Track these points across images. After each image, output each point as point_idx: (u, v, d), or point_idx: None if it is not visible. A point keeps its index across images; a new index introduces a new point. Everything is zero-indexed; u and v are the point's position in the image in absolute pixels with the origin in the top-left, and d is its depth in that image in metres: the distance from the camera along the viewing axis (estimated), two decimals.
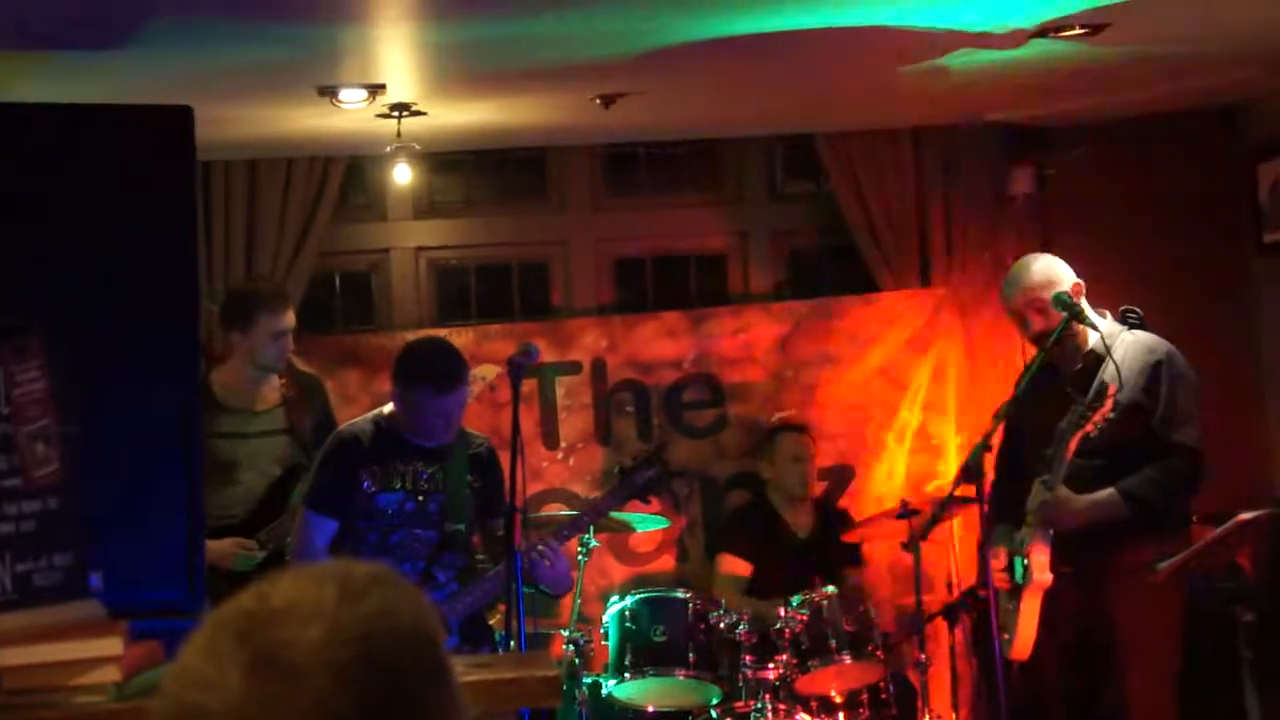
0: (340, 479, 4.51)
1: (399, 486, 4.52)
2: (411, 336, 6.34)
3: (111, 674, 2.70)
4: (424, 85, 5.44)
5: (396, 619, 1.23)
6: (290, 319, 5.00)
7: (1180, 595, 4.72)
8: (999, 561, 4.66)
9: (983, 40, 5.16)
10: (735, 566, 5.89)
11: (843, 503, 6.35)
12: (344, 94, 5.34)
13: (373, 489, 4.50)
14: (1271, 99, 6.35)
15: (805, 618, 5.22)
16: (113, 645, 2.70)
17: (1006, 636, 4.58)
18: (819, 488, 6.32)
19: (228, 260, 6.27)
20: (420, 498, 4.53)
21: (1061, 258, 6.64)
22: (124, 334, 4.22)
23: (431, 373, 4.44)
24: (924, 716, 5.38)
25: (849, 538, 5.88)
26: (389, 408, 4.62)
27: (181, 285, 4.37)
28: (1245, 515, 5.22)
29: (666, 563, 6.36)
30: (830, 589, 5.36)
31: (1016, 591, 4.62)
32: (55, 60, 4.70)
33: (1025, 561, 4.60)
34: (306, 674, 1.16)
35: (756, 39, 4.99)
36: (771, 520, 5.98)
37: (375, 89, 5.33)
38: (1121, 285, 6.45)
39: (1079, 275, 6.31)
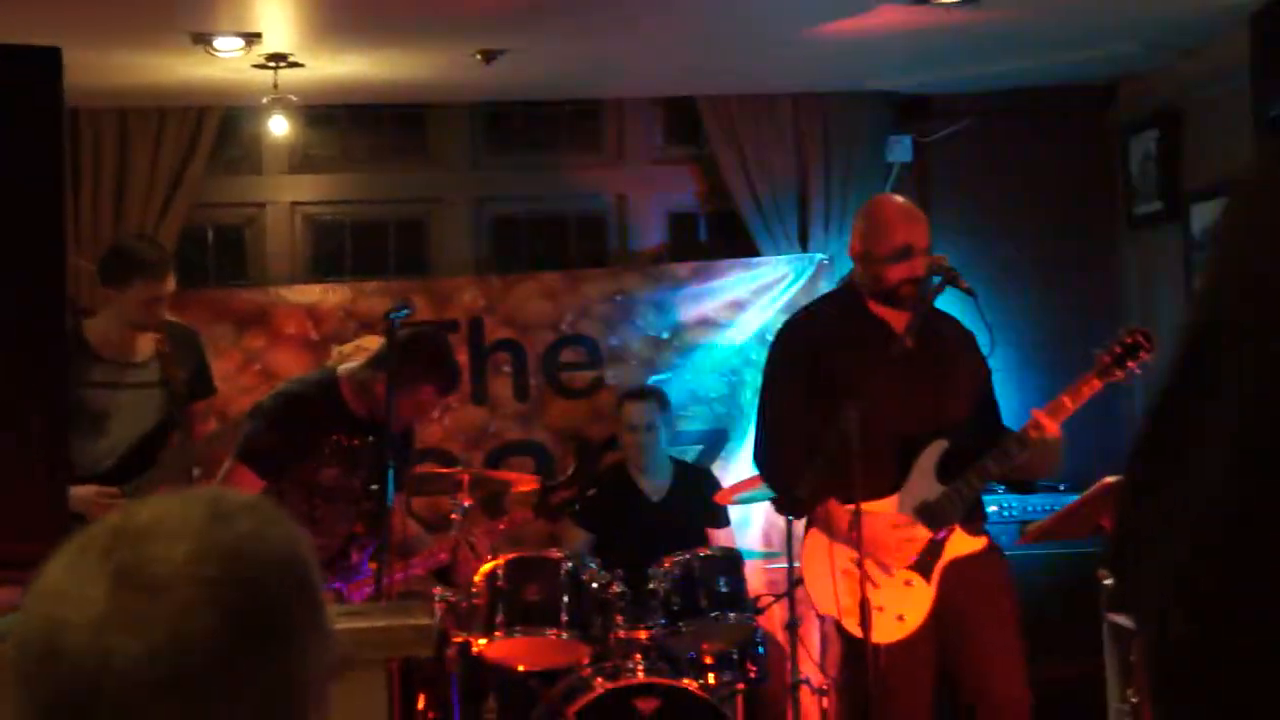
0: (285, 440, 4.46)
1: (337, 459, 4.49)
2: (285, 291, 6.29)
3: None
4: (301, 35, 5.36)
5: (266, 540, 1.23)
6: (169, 286, 4.89)
7: (1006, 563, 4.52)
8: (919, 534, 4.30)
9: (861, 5, 5.19)
10: (573, 535, 5.90)
11: (716, 466, 6.37)
12: (219, 42, 5.26)
13: (313, 458, 4.46)
14: (1144, 74, 6.46)
15: (677, 578, 5.22)
16: None
17: (902, 618, 4.27)
18: (690, 452, 6.35)
19: (96, 210, 6.15)
20: (353, 472, 4.51)
21: (938, 226, 6.72)
22: None
23: (451, 373, 4.55)
24: (792, 678, 5.42)
25: (719, 499, 5.89)
26: (344, 370, 4.60)
27: (48, 234, 4.27)
28: (1109, 479, 5.33)
29: (539, 523, 6.33)
30: (704, 550, 5.37)
31: (928, 567, 4.33)
32: None
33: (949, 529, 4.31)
34: (171, 588, 1.16)
35: None
36: (625, 485, 5.97)
37: (251, 38, 5.24)
38: (996, 254, 6.56)
39: (955, 243, 6.40)
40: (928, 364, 4.32)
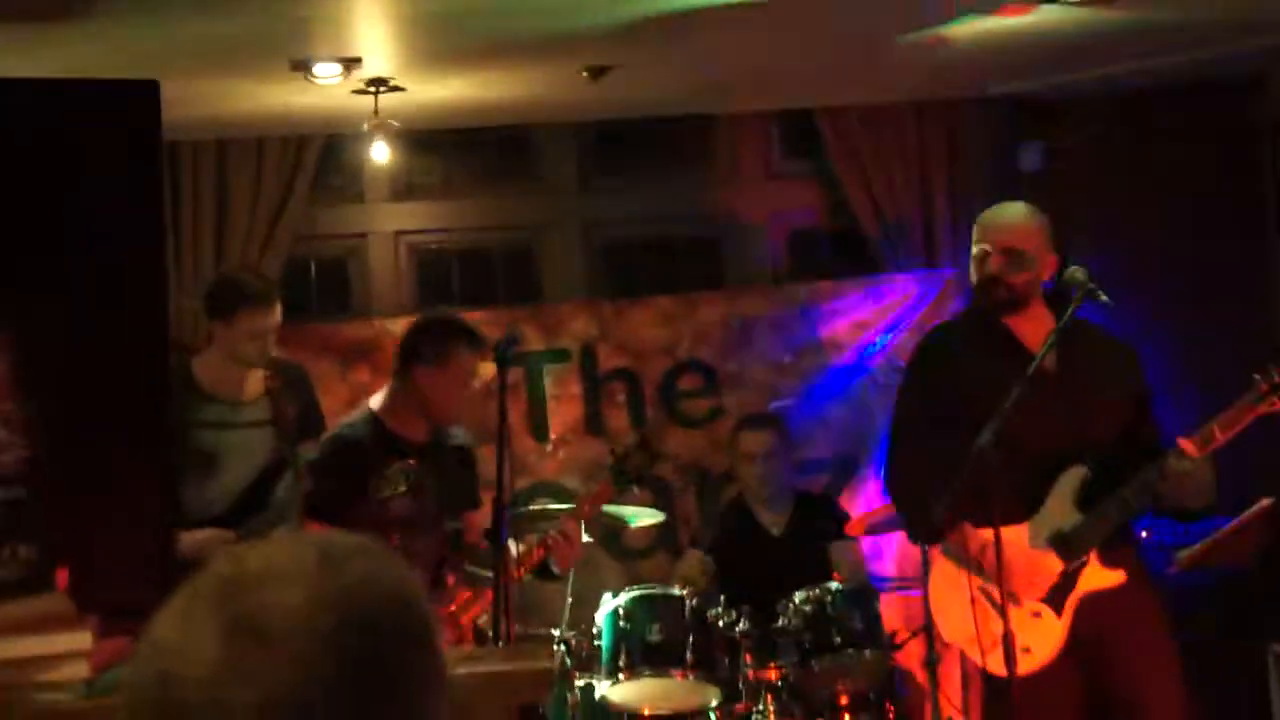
0: (344, 485, 4.41)
1: (400, 490, 4.43)
2: (391, 324, 6.16)
3: (80, 670, 2.54)
4: (401, 58, 5.29)
5: (379, 585, 1.20)
6: (274, 319, 4.84)
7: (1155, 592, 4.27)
8: (1051, 564, 4.08)
9: (989, 6, 5.02)
10: (692, 566, 5.65)
11: (848, 495, 6.13)
12: (318, 68, 5.22)
13: (377, 493, 4.41)
14: None
15: (808, 613, 5.00)
16: (81, 640, 2.54)
17: (1029, 650, 4.02)
18: (817, 482, 6.09)
19: (197, 245, 6.08)
20: (418, 498, 4.44)
21: (1073, 238, 6.43)
22: (90, 320, 4.04)
23: (470, 329, 4.50)
24: (932, 718, 5.17)
25: (849, 530, 5.64)
26: (376, 403, 4.57)
27: (148, 270, 4.20)
28: (1266, 501, 5.04)
29: (661, 559, 6.12)
30: (835, 584, 5.15)
31: (1060, 599, 4.09)
32: (8, 32, 4.52)
33: (1083, 560, 4.07)
34: (286, 638, 1.14)
35: (751, 6, 4.82)
36: (745, 518, 5.74)
37: (350, 62, 5.18)
38: (1134, 266, 6.24)
39: (1089, 256, 6.10)
40: (1069, 382, 4.10)
